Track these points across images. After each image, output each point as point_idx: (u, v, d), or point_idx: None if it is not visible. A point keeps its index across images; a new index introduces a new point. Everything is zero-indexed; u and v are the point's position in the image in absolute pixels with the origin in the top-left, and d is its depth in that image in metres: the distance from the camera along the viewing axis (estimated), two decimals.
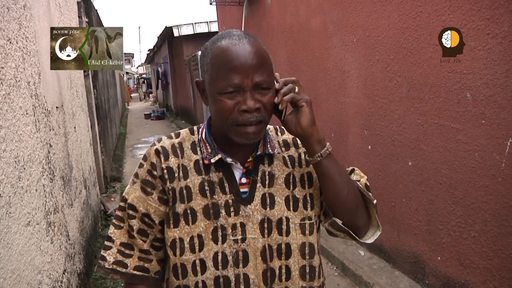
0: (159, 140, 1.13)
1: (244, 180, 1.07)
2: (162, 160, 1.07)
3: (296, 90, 1.00)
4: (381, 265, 3.48)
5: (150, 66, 32.08)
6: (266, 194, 1.07)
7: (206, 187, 1.05)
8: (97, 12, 7.65)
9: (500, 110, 2.24)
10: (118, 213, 1.12)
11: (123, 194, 1.12)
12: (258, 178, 1.07)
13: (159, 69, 21.28)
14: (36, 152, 2.27)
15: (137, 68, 51.42)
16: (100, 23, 8.42)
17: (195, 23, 13.09)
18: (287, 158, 1.12)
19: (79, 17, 4.94)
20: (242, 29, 6.28)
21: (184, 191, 1.05)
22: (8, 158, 1.83)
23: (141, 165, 1.11)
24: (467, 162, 2.51)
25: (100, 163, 5.69)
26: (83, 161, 4.02)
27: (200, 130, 1.12)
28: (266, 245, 1.05)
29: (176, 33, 13.27)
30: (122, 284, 3.64)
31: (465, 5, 2.37)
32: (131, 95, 35.66)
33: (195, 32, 13.03)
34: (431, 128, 2.78)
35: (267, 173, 1.08)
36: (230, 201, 1.05)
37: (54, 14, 3.31)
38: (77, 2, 4.87)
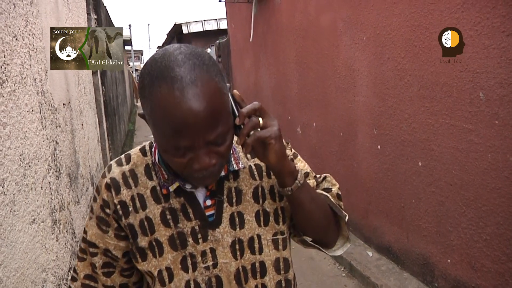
0: (109, 170, 1.00)
1: (209, 202, 0.97)
2: (114, 194, 0.96)
3: (261, 122, 0.86)
4: (389, 266, 3.44)
5: None
6: (235, 214, 0.97)
7: (168, 216, 0.95)
8: (106, 9, 7.66)
9: None
10: (81, 244, 1.05)
11: (84, 225, 1.04)
12: (224, 197, 0.97)
13: None
14: (41, 149, 2.26)
15: None
16: (109, 20, 8.43)
17: (204, 20, 13.09)
18: (253, 168, 1.02)
19: (87, 14, 4.93)
20: (251, 27, 6.24)
21: (145, 223, 0.96)
22: (13, 155, 1.81)
23: (94, 199, 1.01)
24: (479, 163, 2.45)
25: (108, 160, 5.69)
26: (90, 158, 4.01)
27: (153, 150, 0.99)
28: (240, 267, 0.97)
29: (185, 30, 13.28)
30: None
31: (479, 1, 2.31)
32: None
33: (204, 30, 13.04)
34: (442, 128, 2.73)
35: (233, 189, 0.98)
36: (196, 227, 0.95)
37: (62, 11, 3.30)
38: None
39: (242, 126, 0.85)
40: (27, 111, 2.07)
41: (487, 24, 2.26)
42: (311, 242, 1.04)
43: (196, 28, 13.12)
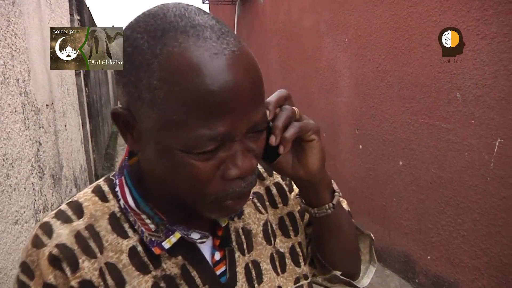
0: (48, 231, 0.59)
1: (218, 256, 0.66)
2: (68, 273, 0.57)
3: (297, 112, 0.62)
4: None
5: None
6: (250, 265, 0.68)
7: None
8: (89, 10, 7.61)
9: (489, 110, 2.25)
10: None
11: None
12: (234, 244, 0.68)
13: None
14: (25, 150, 2.25)
15: None
16: (92, 21, 8.37)
17: None
18: (255, 199, 0.74)
19: (70, 14, 4.90)
20: (235, 28, 6.27)
21: None
22: None
23: (22, 286, 0.59)
24: (457, 161, 2.52)
25: (91, 161, 5.66)
26: (74, 160, 3.99)
27: (119, 191, 0.63)
28: None
29: None
30: None
31: (455, 6, 2.39)
32: None
33: None
34: (421, 128, 2.80)
35: (240, 231, 0.69)
36: None
37: (45, 11, 3.29)
38: None
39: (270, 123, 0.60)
40: (10, 112, 2.07)
41: (463, 27, 2.34)
42: (341, 277, 0.77)
43: None
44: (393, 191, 3.18)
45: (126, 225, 0.62)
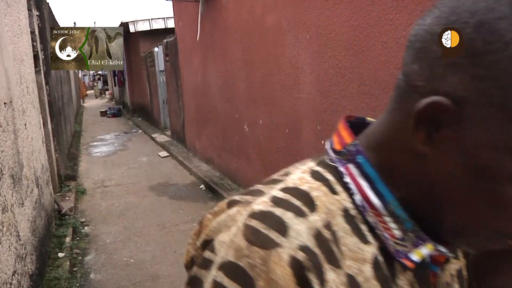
0: (279, 226, 0.43)
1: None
2: (316, 285, 0.42)
3: None
4: None
5: None
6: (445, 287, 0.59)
7: None
8: (48, 6, 7.40)
9: None
10: None
11: None
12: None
13: None
14: None
15: None
16: (52, 17, 8.16)
17: (151, 19, 12.90)
18: None
19: (28, 10, 4.77)
20: (199, 26, 6.25)
21: None
22: None
23: None
24: None
25: (53, 161, 5.53)
26: (35, 159, 3.90)
27: (351, 182, 0.50)
28: None
29: (132, 29, 13.02)
30: (77, 285, 3.57)
31: (409, 5, 2.49)
32: (87, 92, 34.72)
33: (151, 28, 12.86)
34: None
35: None
36: None
37: (0, 6, 3.20)
38: None
39: None
40: None
41: None
42: None
43: (143, 26, 12.89)
44: None
45: (363, 227, 0.48)
